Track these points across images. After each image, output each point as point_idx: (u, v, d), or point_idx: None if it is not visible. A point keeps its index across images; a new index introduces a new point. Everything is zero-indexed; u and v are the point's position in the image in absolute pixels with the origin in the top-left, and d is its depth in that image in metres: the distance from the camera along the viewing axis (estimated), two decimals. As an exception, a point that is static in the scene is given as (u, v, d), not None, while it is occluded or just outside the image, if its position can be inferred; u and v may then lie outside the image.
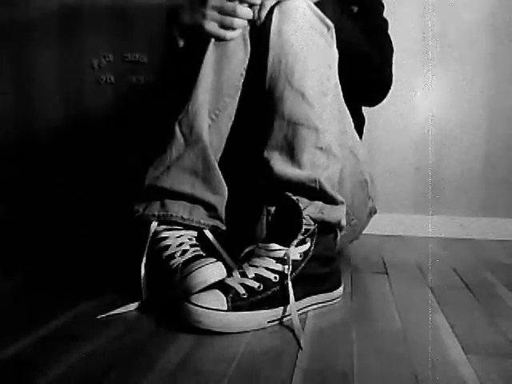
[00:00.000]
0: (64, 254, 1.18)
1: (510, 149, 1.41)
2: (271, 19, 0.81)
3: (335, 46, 0.85)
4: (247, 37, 0.85)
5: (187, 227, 0.84)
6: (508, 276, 1.01)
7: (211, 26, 0.83)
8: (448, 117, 1.43)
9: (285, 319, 0.74)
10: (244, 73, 0.85)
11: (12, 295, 0.86)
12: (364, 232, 1.14)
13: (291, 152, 0.79)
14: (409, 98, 1.43)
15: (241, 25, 0.84)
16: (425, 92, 1.43)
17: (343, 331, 0.70)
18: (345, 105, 0.92)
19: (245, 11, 0.83)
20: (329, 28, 0.84)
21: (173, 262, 0.78)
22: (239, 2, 0.83)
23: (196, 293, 0.71)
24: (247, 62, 0.85)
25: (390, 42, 1.10)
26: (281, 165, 0.80)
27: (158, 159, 0.85)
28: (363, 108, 1.21)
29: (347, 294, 0.88)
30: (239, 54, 0.85)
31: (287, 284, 0.74)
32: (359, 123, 1.20)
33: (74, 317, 0.75)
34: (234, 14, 0.83)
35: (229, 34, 0.83)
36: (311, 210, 0.79)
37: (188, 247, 0.81)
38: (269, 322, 0.72)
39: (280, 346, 0.65)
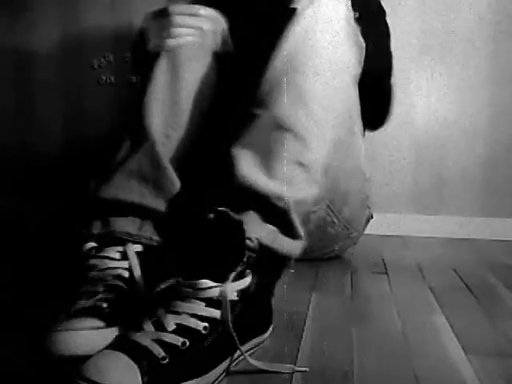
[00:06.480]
0: (67, 251, 1.18)
1: (510, 149, 1.41)
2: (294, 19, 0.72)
3: (362, 64, 0.79)
4: (208, 43, 0.83)
5: (134, 242, 0.71)
6: (508, 276, 1.01)
7: (153, 44, 0.81)
8: (448, 117, 1.43)
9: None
10: (204, 79, 0.82)
11: (12, 292, 0.86)
12: (364, 232, 1.14)
13: (267, 157, 0.65)
14: (409, 98, 1.43)
15: (190, 33, 0.81)
16: (425, 92, 1.43)
17: (343, 331, 0.70)
18: (359, 124, 0.93)
19: (187, 21, 0.81)
20: (362, 48, 0.77)
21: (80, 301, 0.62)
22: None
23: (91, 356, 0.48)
24: (206, 68, 0.83)
25: (390, 52, 1.06)
26: (248, 167, 0.64)
27: (105, 167, 0.76)
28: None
29: (347, 294, 0.88)
30: (198, 60, 0.82)
31: (227, 333, 0.54)
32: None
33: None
34: (175, 26, 0.80)
35: (172, 42, 0.80)
36: (261, 233, 0.62)
37: (110, 284, 0.64)
38: None
39: (280, 345, 0.65)
